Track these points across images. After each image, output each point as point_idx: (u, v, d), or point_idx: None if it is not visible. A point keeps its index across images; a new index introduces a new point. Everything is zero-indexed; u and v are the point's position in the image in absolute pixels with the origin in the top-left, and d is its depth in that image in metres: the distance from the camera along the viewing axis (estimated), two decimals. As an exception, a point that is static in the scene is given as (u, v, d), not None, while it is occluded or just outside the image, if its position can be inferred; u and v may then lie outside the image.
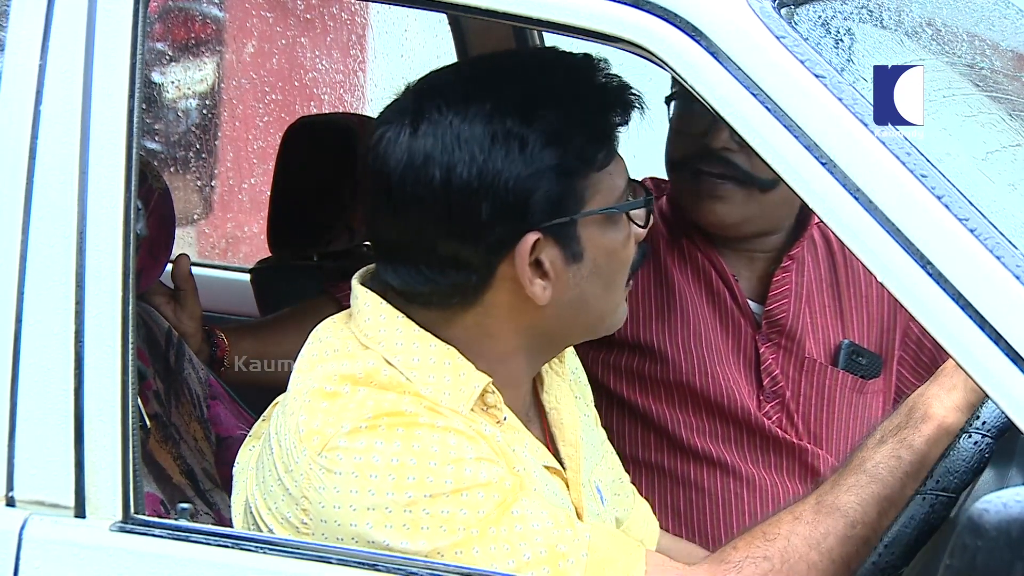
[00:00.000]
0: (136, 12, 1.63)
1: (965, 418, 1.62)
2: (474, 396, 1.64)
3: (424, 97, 1.64)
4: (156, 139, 5.78)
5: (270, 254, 2.96)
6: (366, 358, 1.63)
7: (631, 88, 1.67)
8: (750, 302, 2.26)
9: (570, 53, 1.67)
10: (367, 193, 1.67)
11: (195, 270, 3.59)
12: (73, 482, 1.62)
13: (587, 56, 1.66)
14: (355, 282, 1.70)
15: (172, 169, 5.84)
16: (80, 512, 1.62)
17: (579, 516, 1.73)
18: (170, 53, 5.82)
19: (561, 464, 1.76)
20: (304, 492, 1.57)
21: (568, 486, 1.75)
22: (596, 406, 2.07)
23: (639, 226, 1.69)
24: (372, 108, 5.96)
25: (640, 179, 2.23)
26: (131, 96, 1.63)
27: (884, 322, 2.31)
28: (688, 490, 2.21)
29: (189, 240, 5.84)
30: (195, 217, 5.95)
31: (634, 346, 2.24)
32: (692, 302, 2.25)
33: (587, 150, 1.63)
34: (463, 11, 1.60)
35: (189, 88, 5.94)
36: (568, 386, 1.84)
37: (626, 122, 1.67)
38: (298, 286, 2.85)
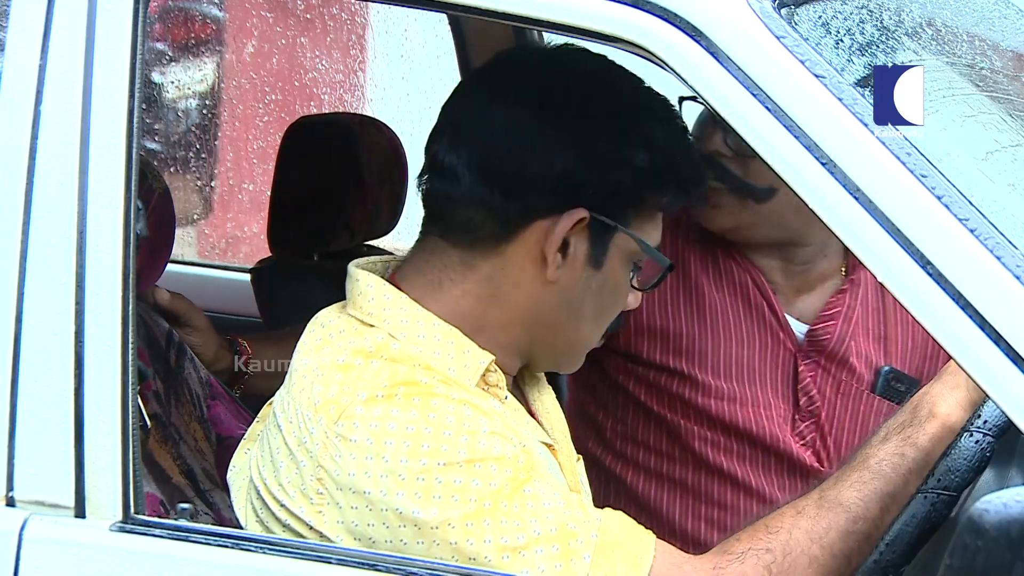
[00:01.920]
0: (136, 12, 1.63)
1: (969, 416, 1.62)
2: (479, 372, 1.66)
3: None
4: (156, 139, 5.78)
5: (270, 254, 2.96)
6: (373, 334, 1.66)
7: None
8: (791, 319, 2.24)
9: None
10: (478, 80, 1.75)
11: (195, 270, 3.61)
12: (73, 482, 1.62)
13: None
14: (352, 267, 1.73)
15: (172, 169, 5.84)
16: (80, 512, 1.62)
17: None
18: (170, 53, 5.82)
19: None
20: (320, 461, 1.58)
21: (562, 468, 1.77)
22: (622, 413, 2.07)
23: (637, 289, 1.75)
24: (372, 108, 5.96)
25: None
26: (131, 96, 1.63)
27: (928, 348, 2.28)
28: (710, 507, 2.20)
29: (189, 240, 5.84)
30: (195, 217, 5.95)
31: (662, 368, 2.22)
32: (726, 320, 2.22)
33: (665, 183, 1.70)
34: (463, 11, 1.60)
35: (189, 88, 5.94)
36: (543, 382, 1.87)
37: (692, 194, 1.75)
38: (298, 286, 2.85)
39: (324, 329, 1.70)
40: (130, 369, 1.61)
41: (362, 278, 1.71)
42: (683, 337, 2.21)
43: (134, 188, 1.62)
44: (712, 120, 2.16)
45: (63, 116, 1.63)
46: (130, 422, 1.61)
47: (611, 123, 1.67)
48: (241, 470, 1.75)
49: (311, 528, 1.60)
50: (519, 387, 1.83)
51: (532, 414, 1.81)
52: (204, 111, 6.04)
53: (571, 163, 1.65)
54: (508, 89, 1.70)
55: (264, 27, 6.12)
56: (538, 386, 1.85)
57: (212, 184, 6.06)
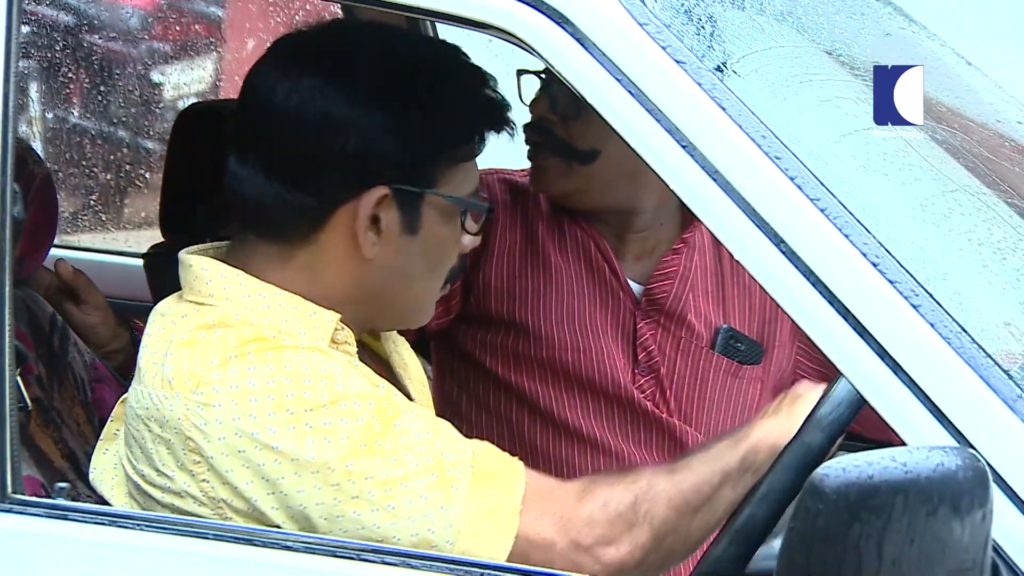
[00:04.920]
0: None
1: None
2: (329, 331, 1.69)
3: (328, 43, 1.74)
4: (153, 138, 5.72)
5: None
6: (215, 310, 1.68)
7: (510, 116, 1.76)
8: (632, 282, 2.32)
9: (470, 62, 1.77)
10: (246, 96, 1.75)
11: (89, 256, 3.59)
12: (-50, 463, 1.62)
13: (482, 70, 1.76)
14: (183, 254, 1.75)
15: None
16: (-43, 493, 1.62)
17: None
18: (169, 52, 5.78)
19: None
20: (187, 434, 1.61)
21: None
22: (474, 385, 2.10)
23: (470, 234, 1.77)
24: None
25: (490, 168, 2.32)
26: (6, 81, 1.64)
27: (766, 313, 2.36)
28: (560, 468, 2.25)
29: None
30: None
31: (508, 324, 2.28)
32: (568, 279, 2.30)
33: (455, 135, 1.72)
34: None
35: (187, 87, 5.90)
36: (395, 337, 1.91)
37: (496, 131, 1.76)
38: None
39: (165, 318, 1.71)
40: (7, 351, 1.62)
41: (195, 263, 1.73)
42: (528, 293, 2.28)
43: (10, 173, 1.63)
44: (541, 88, 2.25)
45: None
46: (7, 403, 1.62)
47: (380, 95, 1.68)
48: (104, 470, 1.76)
49: (201, 503, 1.62)
50: (373, 350, 1.86)
51: (393, 372, 1.85)
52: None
53: (354, 145, 1.67)
54: (285, 80, 1.70)
55: (262, 26, 6.08)
56: (392, 337, 1.89)
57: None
